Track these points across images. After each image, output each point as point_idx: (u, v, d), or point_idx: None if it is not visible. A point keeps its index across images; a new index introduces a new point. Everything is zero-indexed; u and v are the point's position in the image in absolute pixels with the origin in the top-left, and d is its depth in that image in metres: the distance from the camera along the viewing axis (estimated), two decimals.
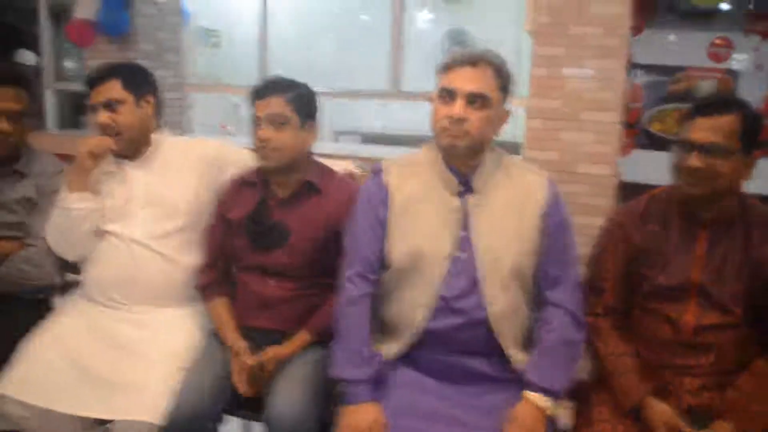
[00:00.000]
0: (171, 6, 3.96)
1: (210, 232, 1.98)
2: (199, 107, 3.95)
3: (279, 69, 4.40)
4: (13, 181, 2.10)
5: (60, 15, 3.74)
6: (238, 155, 2.10)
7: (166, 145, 2.05)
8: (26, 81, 2.17)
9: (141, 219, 1.96)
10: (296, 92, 1.84)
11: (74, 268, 2.06)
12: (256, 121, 1.82)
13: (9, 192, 2.08)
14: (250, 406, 1.79)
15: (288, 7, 5.00)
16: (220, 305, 1.92)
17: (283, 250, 1.85)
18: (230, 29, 5.12)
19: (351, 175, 2.06)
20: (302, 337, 1.82)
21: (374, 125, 4.71)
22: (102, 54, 3.71)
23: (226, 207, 1.95)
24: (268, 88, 1.83)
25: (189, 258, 1.99)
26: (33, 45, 3.68)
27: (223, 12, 5.09)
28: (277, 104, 1.80)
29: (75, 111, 3.63)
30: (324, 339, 1.78)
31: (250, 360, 1.76)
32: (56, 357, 1.81)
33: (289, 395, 1.67)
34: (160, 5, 3.86)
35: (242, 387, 1.76)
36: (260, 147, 1.82)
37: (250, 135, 1.86)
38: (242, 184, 1.96)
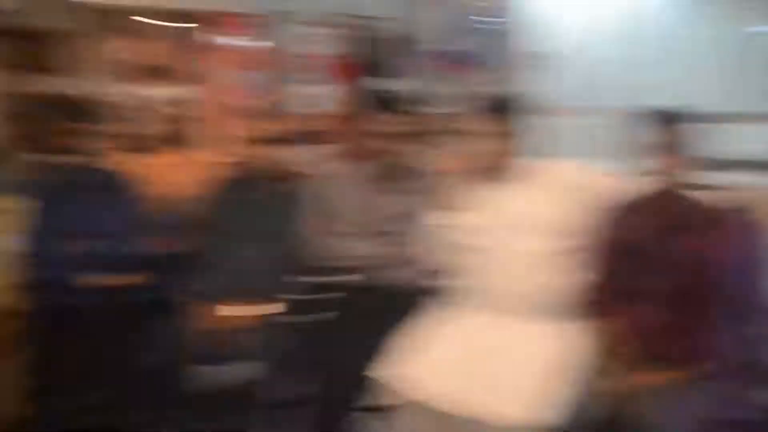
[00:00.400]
0: (514, 32, 4.23)
1: (600, 254, 2.04)
2: (539, 131, 4.11)
3: (615, 91, 4.36)
4: (391, 196, 2.46)
5: (409, 46, 4.24)
6: (602, 179, 2.15)
7: (529, 168, 2.19)
8: (397, 107, 2.53)
9: (509, 236, 2.11)
10: (688, 121, 1.92)
11: (437, 274, 2.30)
12: (659, 147, 1.91)
13: (389, 206, 2.44)
14: (604, 428, 1.83)
15: (619, 29, 4.92)
16: (606, 325, 1.98)
17: (669, 277, 1.87)
18: (560, 52, 5.22)
19: (729, 208, 2.01)
20: (677, 369, 1.81)
21: (727, 150, 4.35)
22: (451, 81, 4.16)
23: (616, 230, 2.01)
24: (673, 116, 1.92)
25: (561, 276, 2.09)
26: (392, 74, 4.21)
27: (551, 36, 5.21)
28: (679, 132, 1.90)
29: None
30: (699, 375, 1.75)
31: (619, 384, 1.80)
32: (443, 358, 2.01)
33: (668, 427, 1.69)
34: (505, 33, 4.15)
35: (604, 409, 1.81)
36: (662, 173, 1.91)
37: (633, 159, 1.96)
38: (630, 209, 2.01)
